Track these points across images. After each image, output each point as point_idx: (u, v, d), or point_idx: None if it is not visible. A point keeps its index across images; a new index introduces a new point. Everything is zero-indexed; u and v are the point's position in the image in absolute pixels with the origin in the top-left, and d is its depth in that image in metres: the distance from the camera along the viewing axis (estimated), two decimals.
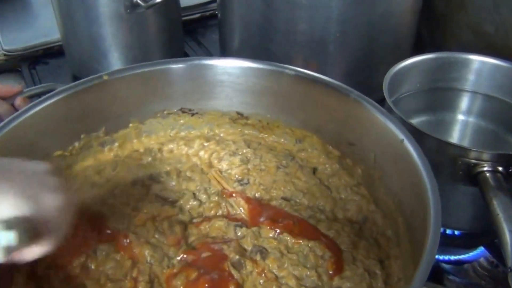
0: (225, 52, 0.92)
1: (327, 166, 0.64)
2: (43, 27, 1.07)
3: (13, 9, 1.16)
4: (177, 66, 0.64)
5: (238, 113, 0.67)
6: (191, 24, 1.11)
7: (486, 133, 0.74)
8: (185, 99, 0.67)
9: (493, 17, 0.83)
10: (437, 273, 0.64)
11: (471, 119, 0.75)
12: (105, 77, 0.60)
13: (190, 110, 0.68)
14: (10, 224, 0.39)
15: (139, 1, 0.84)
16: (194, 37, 1.09)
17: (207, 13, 1.14)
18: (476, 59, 0.72)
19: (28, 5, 1.20)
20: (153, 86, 0.64)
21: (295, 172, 0.63)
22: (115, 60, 0.90)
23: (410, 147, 0.50)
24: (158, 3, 0.84)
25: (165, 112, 0.67)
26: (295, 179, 0.63)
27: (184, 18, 1.02)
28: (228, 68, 0.64)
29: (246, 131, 0.68)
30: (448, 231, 0.66)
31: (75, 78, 0.94)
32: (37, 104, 0.57)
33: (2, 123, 0.54)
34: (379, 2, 0.76)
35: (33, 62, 1.01)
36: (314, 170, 0.64)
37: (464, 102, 0.75)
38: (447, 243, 0.66)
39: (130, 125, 0.65)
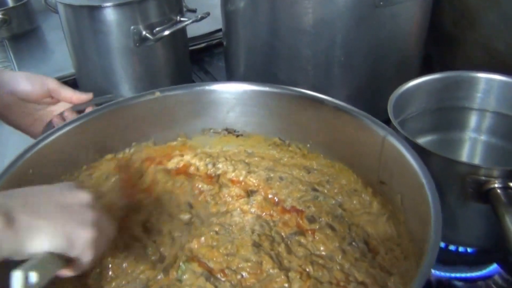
0: (231, 79, 0.94)
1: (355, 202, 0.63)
2: (57, 63, 1.11)
3: (29, 47, 1.21)
4: (225, 89, 0.68)
5: (280, 139, 0.69)
6: (198, 54, 1.15)
7: (496, 150, 0.73)
8: (230, 120, 0.70)
9: (503, 34, 0.82)
10: None
11: (480, 137, 0.74)
12: (157, 94, 0.66)
13: (235, 131, 0.70)
14: (33, 266, 0.39)
15: (147, 34, 0.86)
16: (201, 66, 1.12)
17: (213, 42, 1.18)
18: (484, 77, 0.71)
19: (43, 42, 1.26)
20: (201, 104, 0.68)
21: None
22: (125, 91, 0.92)
23: (428, 192, 0.47)
24: (166, 36, 0.86)
25: (211, 130, 0.70)
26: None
27: (191, 48, 1.05)
28: (274, 94, 0.66)
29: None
30: (461, 249, 0.64)
31: None
32: (97, 111, 0.63)
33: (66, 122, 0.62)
34: (383, 24, 0.76)
35: None
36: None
37: (473, 120, 0.74)
38: (460, 261, 0.64)
39: (178, 139, 0.70)
